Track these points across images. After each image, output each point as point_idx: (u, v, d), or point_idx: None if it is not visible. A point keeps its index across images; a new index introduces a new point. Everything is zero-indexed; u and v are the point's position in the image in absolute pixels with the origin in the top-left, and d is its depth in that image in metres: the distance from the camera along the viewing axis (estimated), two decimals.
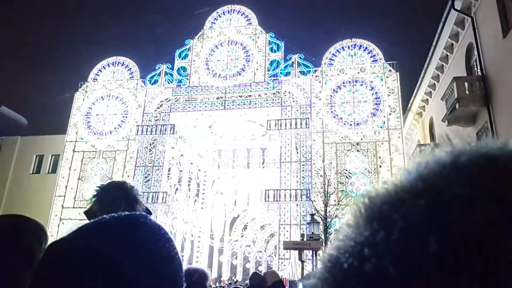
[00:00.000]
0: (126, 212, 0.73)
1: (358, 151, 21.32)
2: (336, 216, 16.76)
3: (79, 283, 0.60)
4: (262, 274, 6.12)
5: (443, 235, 0.28)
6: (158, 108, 24.99)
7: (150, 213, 1.83)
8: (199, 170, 29.15)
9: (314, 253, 14.98)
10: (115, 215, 0.70)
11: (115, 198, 1.81)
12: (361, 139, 21.52)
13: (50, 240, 1.65)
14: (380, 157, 21.07)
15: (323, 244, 14.19)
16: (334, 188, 18.65)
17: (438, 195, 0.30)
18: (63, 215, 23.45)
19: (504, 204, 0.28)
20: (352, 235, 0.33)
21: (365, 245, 0.31)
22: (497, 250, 0.26)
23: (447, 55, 17.49)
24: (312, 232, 14.15)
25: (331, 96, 22.66)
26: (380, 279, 0.29)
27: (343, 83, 22.76)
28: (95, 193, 1.91)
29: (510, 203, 0.28)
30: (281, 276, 17.46)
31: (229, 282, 26.43)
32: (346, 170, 20.92)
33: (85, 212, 1.89)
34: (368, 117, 21.89)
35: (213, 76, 24.89)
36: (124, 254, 0.62)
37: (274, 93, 23.68)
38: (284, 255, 20.22)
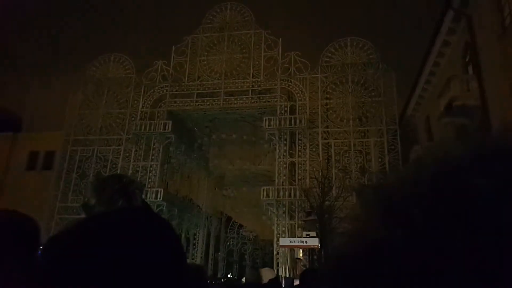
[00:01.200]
0: (126, 206, 0.71)
1: (357, 152, 21.34)
2: (332, 212, 16.78)
3: (82, 276, 0.59)
4: (258, 271, 6.10)
5: (470, 232, 0.26)
6: (154, 104, 24.90)
7: (149, 207, 1.80)
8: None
9: (310, 251, 15.01)
10: (119, 209, 0.69)
11: (113, 192, 1.78)
12: (359, 139, 21.55)
13: (43, 237, 1.63)
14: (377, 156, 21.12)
15: (320, 241, 14.22)
16: (329, 185, 18.66)
17: (462, 190, 0.28)
18: (58, 212, 23.36)
19: None
20: (365, 232, 0.30)
21: (381, 244, 0.29)
22: None
23: (444, 53, 17.52)
24: (309, 230, 14.18)
25: (327, 95, 22.67)
26: (399, 280, 0.27)
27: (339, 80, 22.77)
28: (93, 186, 1.88)
29: None
30: (279, 273, 17.49)
31: (225, 279, 26.44)
32: (343, 169, 20.94)
33: (82, 205, 1.86)
34: (365, 117, 21.94)
35: (210, 73, 24.83)
36: (129, 249, 0.61)
37: (271, 90, 23.66)
38: (280, 252, 20.24)
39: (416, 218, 0.28)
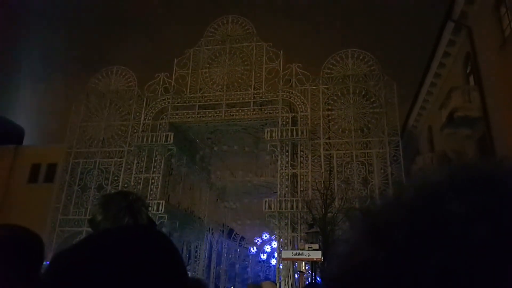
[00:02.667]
0: (132, 224, 0.73)
1: (359, 163, 21.24)
2: (335, 225, 16.65)
3: None
4: (259, 284, 6.03)
5: (443, 256, 0.28)
6: (156, 117, 24.98)
7: (155, 224, 1.80)
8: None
9: (312, 264, 14.83)
10: (122, 226, 0.70)
11: (120, 209, 1.78)
12: (361, 150, 21.51)
13: (46, 251, 1.62)
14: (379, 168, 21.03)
15: (322, 254, 14.07)
16: (332, 196, 18.55)
17: (437, 215, 0.30)
18: (59, 225, 23.25)
19: (500, 221, 0.28)
20: (352, 253, 0.32)
21: (366, 265, 0.31)
22: (497, 270, 0.27)
23: (445, 64, 17.60)
24: (311, 242, 14.04)
25: (328, 106, 22.72)
26: None
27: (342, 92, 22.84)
28: (100, 202, 1.89)
29: (506, 221, 0.28)
30: (281, 287, 17.29)
31: None
32: (346, 180, 20.85)
33: (89, 221, 1.88)
34: (367, 128, 21.92)
35: (211, 85, 24.96)
36: (131, 265, 0.61)
37: (272, 102, 23.73)
38: (282, 265, 20.04)
39: (397, 240, 0.30)
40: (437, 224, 0.30)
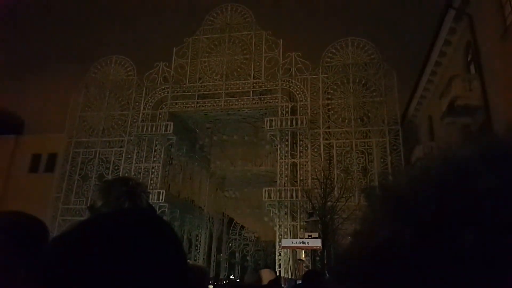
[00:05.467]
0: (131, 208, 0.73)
1: (359, 152, 21.23)
2: (334, 212, 16.76)
3: (84, 277, 0.59)
4: (258, 273, 6.06)
5: (478, 230, 0.26)
6: (155, 106, 24.94)
7: (154, 211, 1.81)
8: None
9: (312, 252, 14.97)
10: (121, 209, 0.70)
11: (120, 194, 1.78)
12: (361, 139, 21.50)
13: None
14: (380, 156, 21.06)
15: (322, 242, 14.18)
16: (331, 186, 18.62)
17: (470, 190, 0.28)
18: (60, 214, 23.38)
19: None
20: (373, 232, 0.31)
21: (389, 243, 0.29)
22: None
23: (445, 52, 17.49)
24: (311, 231, 14.15)
25: (328, 95, 22.65)
26: (407, 279, 0.27)
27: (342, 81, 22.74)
28: (100, 188, 1.89)
29: None
30: (281, 275, 17.45)
31: (227, 281, 26.41)
32: (345, 169, 20.89)
33: (89, 207, 1.87)
34: (366, 117, 21.87)
35: (211, 74, 24.85)
36: (131, 249, 0.61)
37: (272, 91, 23.66)
38: (282, 253, 20.20)
39: (424, 217, 0.28)
40: (468, 200, 0.28)
